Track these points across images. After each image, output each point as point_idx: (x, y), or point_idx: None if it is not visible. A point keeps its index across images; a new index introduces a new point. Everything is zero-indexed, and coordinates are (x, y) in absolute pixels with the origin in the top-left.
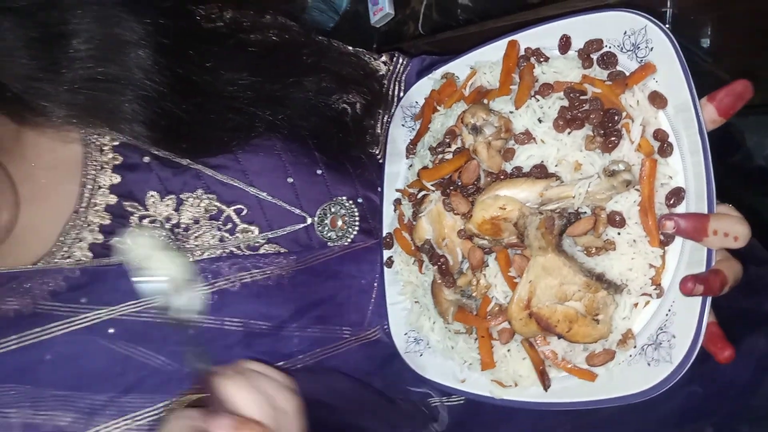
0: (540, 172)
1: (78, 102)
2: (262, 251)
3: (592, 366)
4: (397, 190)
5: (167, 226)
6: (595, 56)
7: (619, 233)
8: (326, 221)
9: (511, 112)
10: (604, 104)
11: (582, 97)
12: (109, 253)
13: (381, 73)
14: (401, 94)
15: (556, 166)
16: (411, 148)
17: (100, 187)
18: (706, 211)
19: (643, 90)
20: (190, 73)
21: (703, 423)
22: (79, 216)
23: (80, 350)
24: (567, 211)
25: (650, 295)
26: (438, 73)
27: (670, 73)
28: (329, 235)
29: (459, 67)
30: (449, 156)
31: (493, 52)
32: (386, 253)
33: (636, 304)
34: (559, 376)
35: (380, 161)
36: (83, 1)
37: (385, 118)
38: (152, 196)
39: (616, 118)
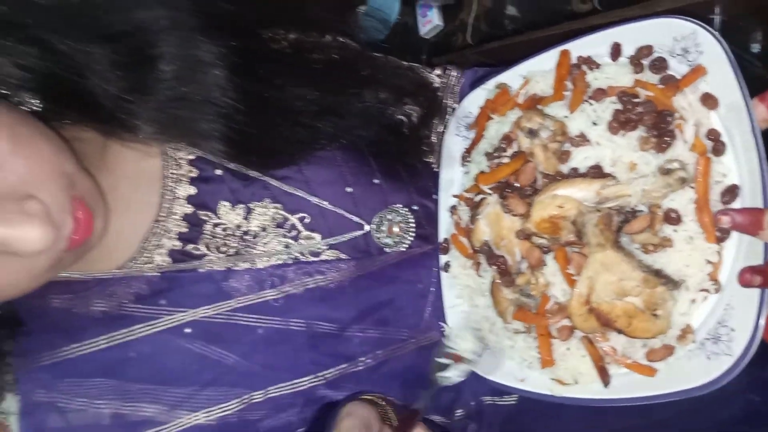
0: (596, 172)
1: (163, 120)
2: (323, 257)
3: (652, 361)
4: (454, 196)
5: (238, 233)
6: (645, 62)
7: (675, 230)
8: (383, 228)
9: (565, 117)
10: (657, 106)
11: (635, 101)
12: (186, 258)
13: (435, 85)
14: (455, 105)
15: (611, 166)
16: (466, 156)
17: (177, 198)
18: (761, 206)
19: (694, 92)
20: (261, 90)
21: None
22: (159, 224)
23: (161, 349)
24: (624, 209)
25: (708, 291)
26: (491, 83)
27: (720, 74)
28: (386, 241)
29: (511, 77)
30: (506, 160)
31: (545, 62)
32: (443, 258)
33: (694, 300)
34: (619, 373)
35: (435, 169)
36: (166, 27)
37: (440, 129)
38: (224, 205)
39: (669, 119)
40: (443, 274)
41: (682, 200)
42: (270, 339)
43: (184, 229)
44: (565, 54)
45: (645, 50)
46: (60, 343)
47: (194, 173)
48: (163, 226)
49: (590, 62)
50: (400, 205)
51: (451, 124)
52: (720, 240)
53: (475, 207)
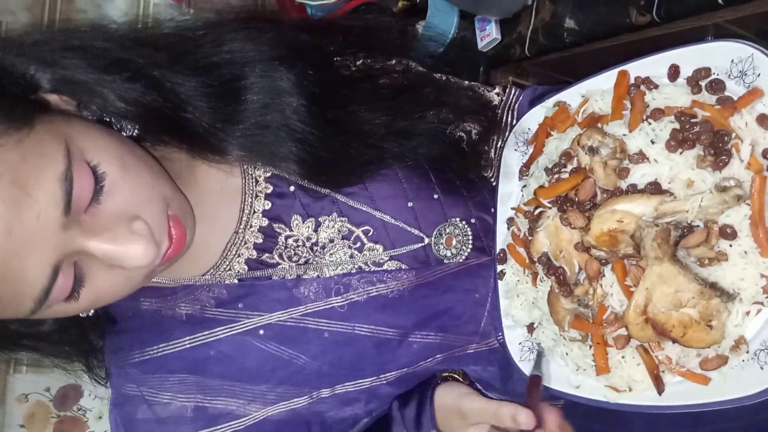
0: (654, 188)
1: (248, 145)
2: (385, 267)
3: (706, 370)
4: (513, 208)
5: (308, 245)
6: (703, 83)
7: (730, 245)
8: (442, 240)
9: (624, 135)
10: (714, 126)
11: (692, 120)
12: (261, 267)
13: (494, 103)
14: (514, 121)
15: (669, 183)
16: (524, 171)
17: (255, 212)
18: None
19: (751, 113)
20: (334, 116)
21: None
22: (238, 235)
23: (239, 349)
24: (681, 225)
25: (762, 303)
26: (550, 101)
27: None
28: (445, 253)
29: (570, 96)
30: (565, 176)
31: (604, 82)
32: (499, 267)
33: (748, 312)
34: (673, 381)
35: (493, 183)
36: (251, 58)
37: (498, 144)
38: (296, 219)
39: (725, 138)
40: (500, 283)
41: (738, 216)
42: (336, 342)
43: (260, 240)
44: (623, 74)
45: (703, 72)
46: (149, 342)
47: (270, 189)
48: (242, 238)
49: (648, 83)
50: (458, 219)
51: (510, 140)
52: None
53: (534, 219)
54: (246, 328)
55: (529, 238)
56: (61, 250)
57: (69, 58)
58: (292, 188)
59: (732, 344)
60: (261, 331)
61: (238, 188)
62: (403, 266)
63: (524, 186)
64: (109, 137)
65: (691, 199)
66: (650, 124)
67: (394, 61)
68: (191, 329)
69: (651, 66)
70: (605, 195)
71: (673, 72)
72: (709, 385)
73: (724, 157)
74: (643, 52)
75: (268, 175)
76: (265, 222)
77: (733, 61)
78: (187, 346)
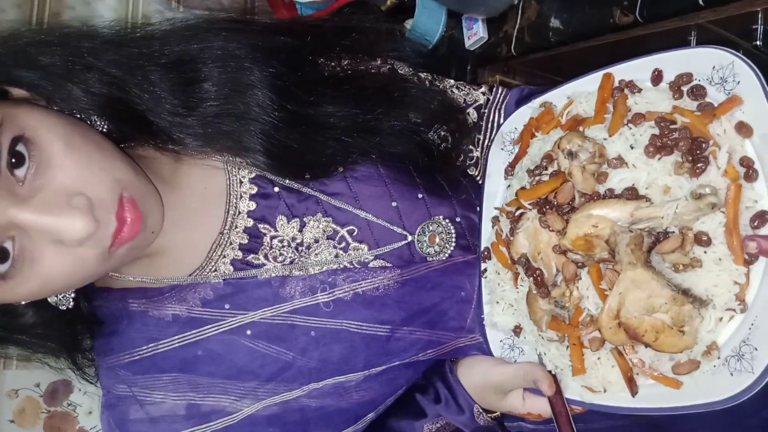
0: (631, 194)
1: (208, 134)
2: (371, 266)
3: (678, 374)
4: (496, 208)
5: (293, 245)
6: (685, 88)
7: (705, 251)
8: (425, 238)
9: (605, 139)
10: (693, 133)
11: (672, 126)
12: (247, 267)
13: (480, 102)
14: (501, 121)
15: (646, 189)
16: (509, 170)
17: (240, 212)
18: None
19: (730, 120)
20: (297, 108)
21: None
22: (223, 236)
23: (227, 347)
24: (656, 230)
25: (734, 310)
26: (537, 102)
27: (756, 104)
28: (428, 250)
29: (556, 97)
30: (546, 178)
31: (589, 84)
32: (483, 265)
33: (721, 318)
34: (646, 384)
35: (479, 182)
36: (213, 56)
37: (485, 143)
38: (281, 219)
39: (703, 145)
40: (483, 281)
41: (713, 223)
42: (324, 338)
43: (245, 241)
44: (608, 77)
45: (685, 77)
46: (138, 342)
47: (254, 190)
48: (227, 239)
49: (632, 86)
50: (442, 217)
51: (496, 139)
52: (748, 262)
53: (515, 220)
54: (232, 326)
55: (511, 238)
56: None
57: (34, 58)
58: (276, 189)
59: (704, 349)
60: (248, 331)
61: (223, 189)
62: (388, 264)
63: (508, 186)
64: (59, 119)
65: (667, 205)
66: (630, 129)
67: (379, 61)
68: (179, 329)
69: (635, 69)
70: (583, 199)
71: (656, 76)
72: (681, 389)
73: (701, 164)
74: (627, 51)
75: (252, 176)
76: (250, 222)
77: (714, 67)
78: (176, 345)
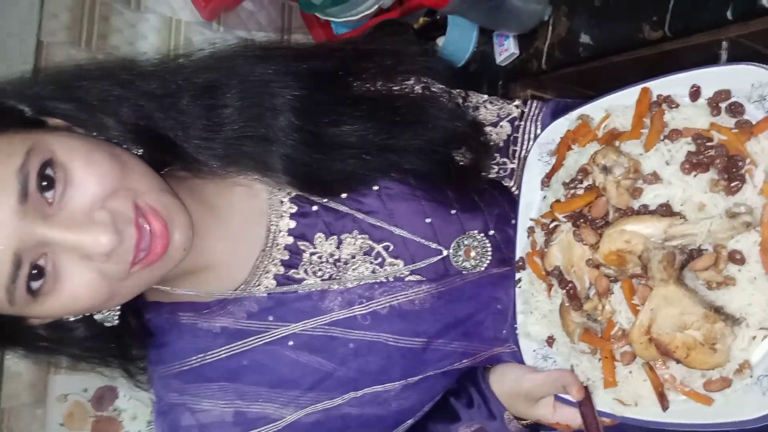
0: (665, 210)
1: (231, 155)
2: (407, 280)
3: (709, 391)
4: (531, 219)
5: (331, 260)
6: (723, 105)
7: (739, 270)
8: (460, 252)
9: (640, 155)
10: (729, 150)
11: (708, 144)
12: (288, 282)
13: (514, 115)
14: (538, 132)
15: (681, 205)
16: (545, 181)
17: (280, 231)
18: None
19: None
20: (317, 129)
21: None
22: (266, 253)
23: (270, 357)
24: (688, 248)
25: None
26: (574, 114)
27: None
28: (464, 264)
29: (594, 110)
30: (581, 191)
31: (627, 98)
32: (518, 275)
33: (754, 337)
34: (678, 399)
35: (515, 193)
36: (237, 82)
37: (521, 154)
38: (319, 236)
39: (740, 164)
40: (517, 291)
41: (748, 242)
42: (361, 350)
43: (286, 257)
44: (645, 92)
45: (723, 94)
46: (188, 353)
47: (294, 209)
48: (270, 255)
49: (670, 101)
50: (476, 231)
51: (533, 150)
52: None
53: (549, 233)
54: (276, 338)
55: (545, 250)
56: (21, 237)
57: (72, 91)
58: (315, 208)
59: (736, 368)
60: (291, 342)
61: (264, 209)
62: (423, 279)
63: (544, 197)
64: (83, 140)
65: (701, 223)
66: (666, 145)
67: (412, 80)
68: (226, 340)
69: (673, 85)
70: (617, 214)
71: (694, 92)
72: (712, 406)
73: (737, 183)
74: (656, 66)
75: (293, 195)
76: (290, 240)
77: (753, 85)
78: (223, 356)
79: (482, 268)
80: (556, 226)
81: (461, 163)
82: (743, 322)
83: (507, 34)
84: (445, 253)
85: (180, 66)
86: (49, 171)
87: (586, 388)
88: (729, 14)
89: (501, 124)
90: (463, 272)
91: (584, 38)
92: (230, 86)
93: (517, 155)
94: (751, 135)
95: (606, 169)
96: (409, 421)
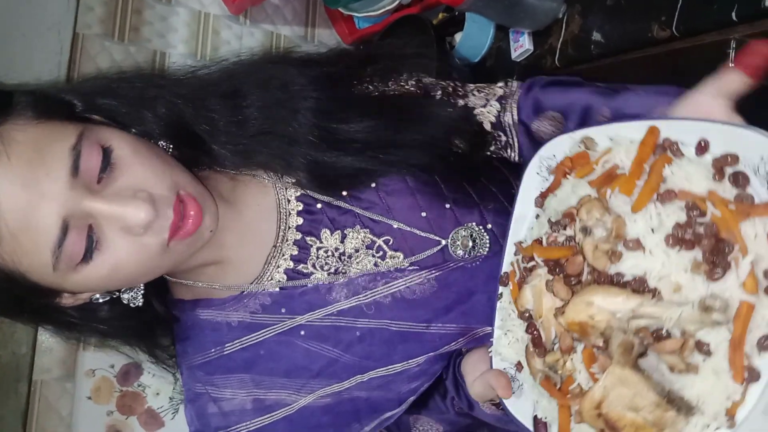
0: (638, 285)
1: (254, 150)
2: (406, 270)
3: None
4: (515, 244)
5: (336, 255)
6: (728, 171)
7: (704, 360)
8: (458, 242)
9: (626, 213)
10: (720, 231)
11: (699, 219)
12: (298, 276)
13: (500, 94)
14: (515, 115)
15: (657, 281)
16: (539, 201)
17: (290, 227)
18: None
19: (765, 224)
20: (331, 128)
21: None
22: (277, 248)
23: (284, 347)
24: (654, 330)
25: (721, 425)
26: (578, 134)
27: None
28: (462, 254)
29: (599, 135)
30: (562, 238)
31: (635, 131)
32: (501, 289)
33: (707, 426)
34: None
35: (516, 161)
36: (260, 87)
37: (514, 156)
38: (325, 232)
39: (726, 249)
40: (498, 305)
41: (718, 336)
42: (366, 337)
43: (295, 252)
44: (652, 132)
45: (730, 159)
46: (208, 346)
47: (300, 207)
48: (280, 250)
49: (675, 149)
50: (474, 224)
51: (533, 162)
52: (748, 381)
53: (526, 271)
54: (288, 329)
55: (521, 286)
56: (69, 205)
57: (114, 90)
58: (319, 205)
59: None
60: (302, 332)
61: (273, 207)
62: (423, 271)
63: (537, 216)
64: (128, 134)
65: (672, 309)
66: (657, 208)
67: (405, 75)
68: (242, 333)
69: (683, 130)
70: (590, 277)
71: (702, 147)
72: None
73: (720, 270)
74: (665, 65)
75: (298, 194)
76: (299, 236)
77: (762, 158)
78: (240, 347)
79: (480, 257)
80: (533, 267)
81: (458, 152)
82: (698, 411)
83: (522, 30)
84: (443, 243)
85: (207, 74)
86: (99, 153)
87: (545, 423)
88: (734, 15)
89: (490, 103)
90: (461, 261)
91: (596, 36)
92: (252, 90)
93: (510, 147)
94: (748, 216)
95: (585, 230)
96: (412, 398)
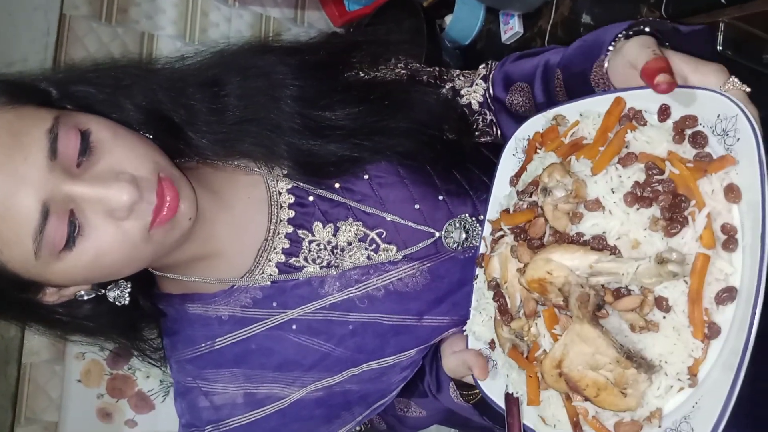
0: (597, 243)
1: (234, 139)
2: (400, 264)
3: None
4: (488, 220)
5: (329, 248)
6: (688, 132)
7: (664, 317)
8: (452, 234)
9: (588, 176)
10: (678, 188)
11: (657, 177)
12: (289, 270)
13: (484, 74)
14: (491, 91)
15: (616, 239)
16: (513, 180)
17: (281, 220)
18: (749, 317)
19: (722, 179)
20: (314, 114)
21: None
22: (268, 242)
23: (275, 342)
24: (613, 286)
25: (683, 383)
26: (550, 113)
27: (749, 168)
28: (454, 246)
29: (570, 111)
30: (525, 205)
31: (604, 103)
32: (477, 270)
33: (671, 386)
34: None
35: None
36: (240, 74)
37: (494, 125)
38: (317, 225)
39: (683, 204)
40: (474, 286)
41: (676, 291)
42: (358, 331)
43: (287, 245)
44: (618, 102)
45: (689, 121)
46: (198, 340)
47: (292, 200)
48: (272, 244)
49: (639, 117)
50: (467, 215)
51: (509, 144)
52: (708, 337)
53: (493, 242)
54: (279, 323)
55: (489, 256)
56: (49, 189)
57: (91, 78)
58: (311, 198)
59: (648, 414)
60: (293, 326)
61: (264, 199)
62: (416, 263)
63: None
64: (106, 119)
65: (628, 263)
66: (617, 170)
67: (393, 60)
68: (233, 327)
69: (646, 99)
70: (552, 237)
71: (664, 111)
72: None
73: (677, 225)
74: None
75: (289, 187)
76: (290, 229)
77: (719, 116)
78: (231, 341)
79: (474, 247)
80: (500, 236)
81: (445, 138)
82: (660, 370)
83: (512, 13)
84: (437, 235)
85: (187, 64)
86: (77, 136)
87: (516, 399)
88: None
89: (476, 82)
90: (453, 253)
91: (586, 18)
92: (232, 79)
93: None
94: (705, 173)
95: (545, 191)
96: (401, 386)
